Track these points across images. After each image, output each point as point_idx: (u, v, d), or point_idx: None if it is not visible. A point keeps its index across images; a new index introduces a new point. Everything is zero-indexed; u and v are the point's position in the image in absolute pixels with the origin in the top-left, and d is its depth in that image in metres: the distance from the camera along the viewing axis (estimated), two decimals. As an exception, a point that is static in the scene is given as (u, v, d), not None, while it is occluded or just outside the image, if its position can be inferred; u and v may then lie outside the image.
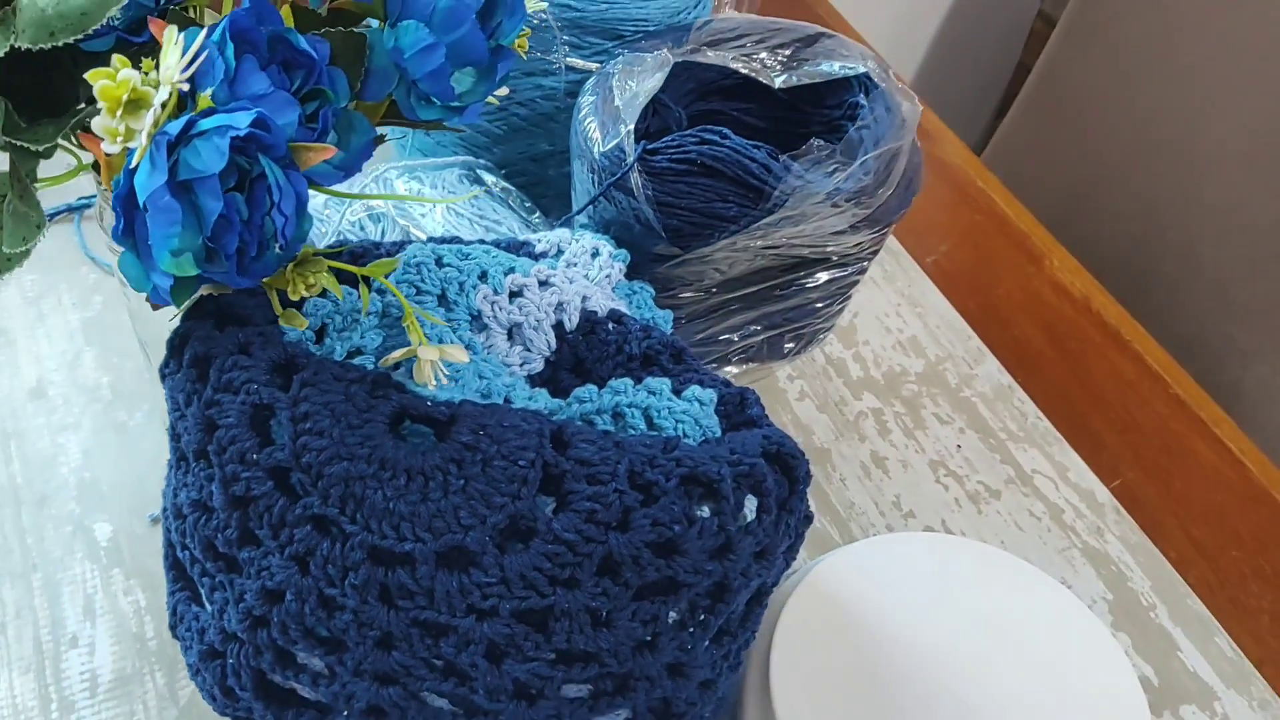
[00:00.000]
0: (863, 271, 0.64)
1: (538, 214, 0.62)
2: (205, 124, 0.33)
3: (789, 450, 0.44)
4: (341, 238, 0.63)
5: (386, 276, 0.47)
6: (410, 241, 0.49)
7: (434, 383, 0.41)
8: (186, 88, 0.33)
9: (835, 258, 0.61)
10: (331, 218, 0.63)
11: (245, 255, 0.35)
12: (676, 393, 0.46)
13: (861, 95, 0.59)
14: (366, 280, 0.42)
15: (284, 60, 0.36)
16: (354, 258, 0.45)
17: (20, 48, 0.35)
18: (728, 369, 0.66)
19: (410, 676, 0.42)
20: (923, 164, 0.59)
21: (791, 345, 0.67)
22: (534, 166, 0.66)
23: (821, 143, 0.52)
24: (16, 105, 0.40)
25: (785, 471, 0.44)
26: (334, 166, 0.39)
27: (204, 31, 0.33)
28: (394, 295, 0.47)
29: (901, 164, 0.55)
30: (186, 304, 0.44)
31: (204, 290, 0.37)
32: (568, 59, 0.60)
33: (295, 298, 0.38)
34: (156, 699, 0.50)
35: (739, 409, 0.46)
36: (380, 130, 0.44)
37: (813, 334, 0.67)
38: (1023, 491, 0.63)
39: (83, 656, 0.51)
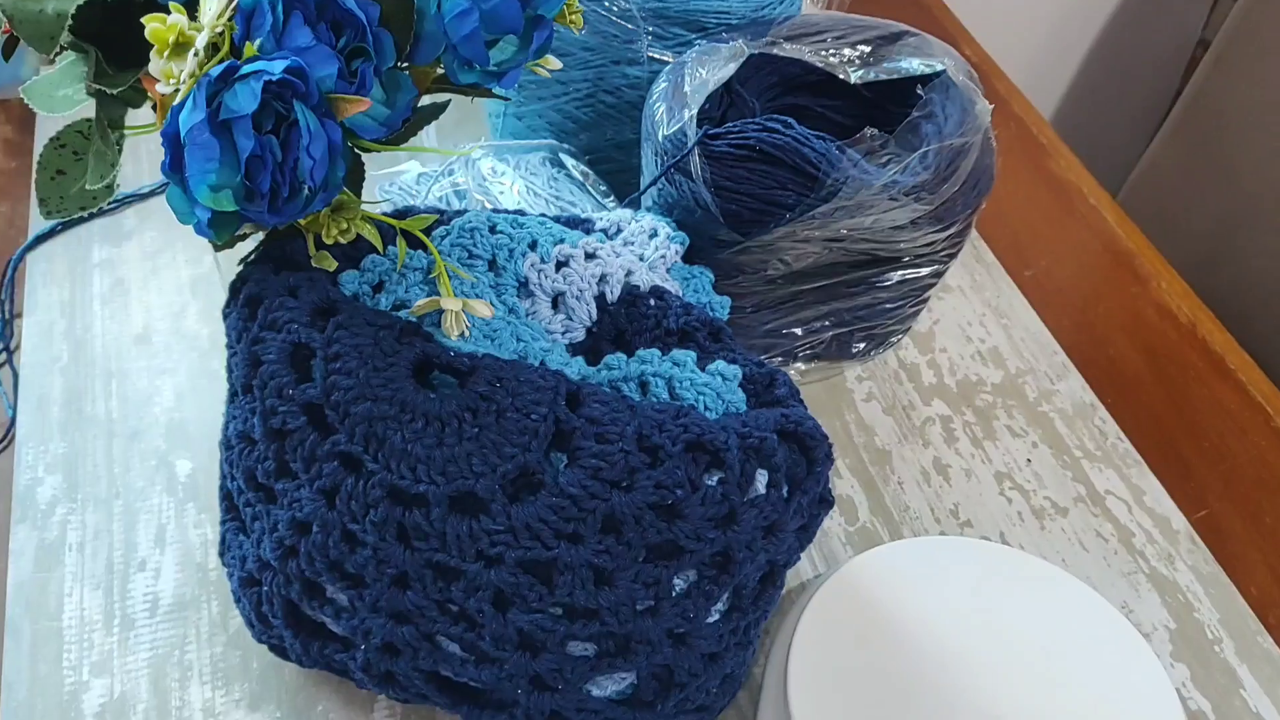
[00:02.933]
0: (939, 275, 0.63)
1: (611, 198, 0.64)
2: (245, 69, 0.36)
3: (807, 430, 0.44)
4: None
5: (441, 239, 0.50)
6: (470, 210, 0.51)
7: (456, 334, 0.43)
8: (223, 33, 0.35)
9: (907, 257, 0.60)
10: (420, 191, 0.66)
11: (278, 195, 0.38)
12: (702, 366, 0.46)
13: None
14: (406, 235, 0.44)
15: (333, 19, 0.39)
16: (399, 214, 0.47)
17: (101, -2, 0.39)
18: (795, 364, 0.66)
19: (423, 617, 0.44)
20: (994, 165, 0.57)
21: (861, 345, 0.66)
22: (619, 154, 0.67)
23: (875, 132, 0.51)
24: (108, 55, 0.43)
25: (803, 451, 0.44)
26: (377, 122, 0.41)
27: (247, -18, 0.35)
28: (448, 257, 0.49)
29: (969, 162, 0.54)
30: (251, 251, 0.47)
31: (246, 229, 0.40)
32: (650, 50, 0.61)
33: (329, 240, 0.41)
34: (209, 625, 0.54)
35: (767, 388, 0.47)
36: (444, 96, 0.46)
37: (884, 335, 0.66)
38: (1092, 511, 0.61)
39: (149, 579, 0.55)
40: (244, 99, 0.36)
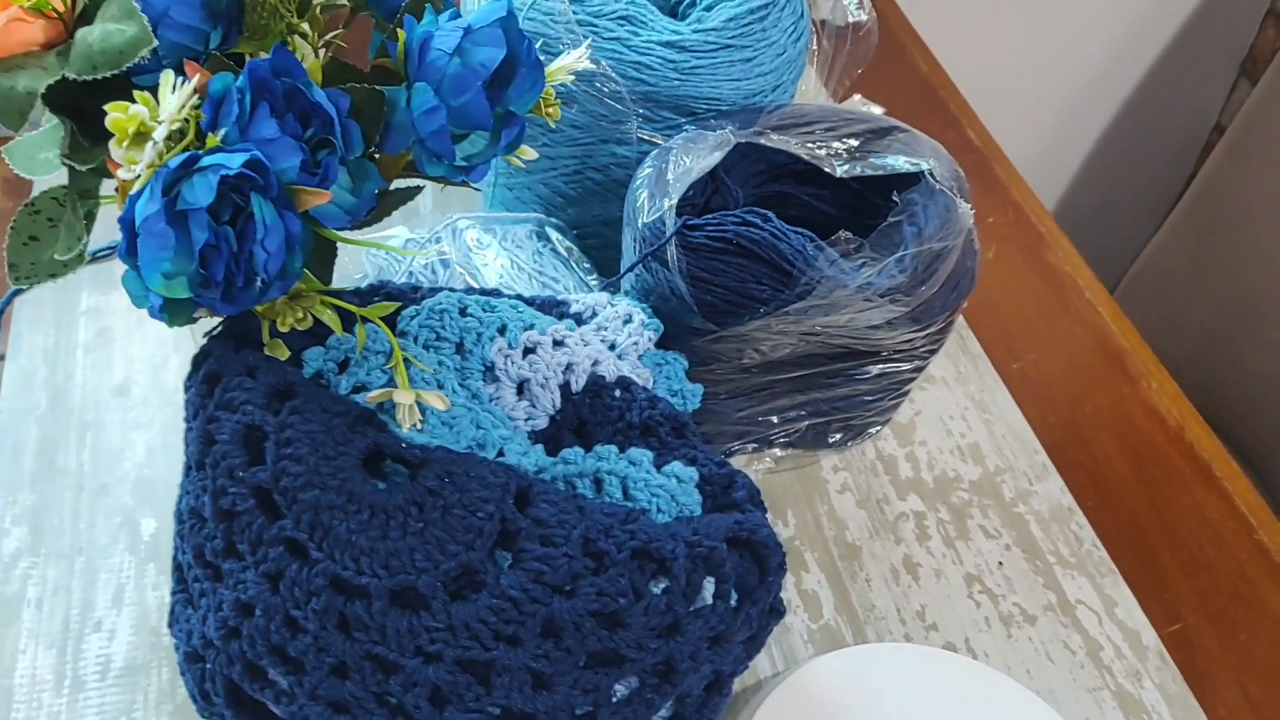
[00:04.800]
0: (919, 370, 0.63)
1: (595, 276, 0.64)
2: (204, 161, 0.36)
3: (761, 539, 0.43)
4: (414, 278, 0.66)
5: (411, 319, 0.50)
6: (443, 289, 0.51)
7: (408, 425, 0.42)
8: (188, 121, 0.36)
9: (886, 352, 0.60)
10: (404, 260, 0.66)
11: (233, 284, 0.38)
12: (661, 464, 0.46)
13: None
14: (364, 319, 0.44)
15: (301, 110, 0.39)
16: (362, 298, 0.47)
17: (72, 78, 0.39)
18: (770, 452, 0.66)
19: (361, 709, 0.44)
20: (976, 267, 0.57)
21: (839, 436, 0.66)
22: (606, 229, 0.68)
23: (849, 235, 0.51)
24: (83, 129, 0.44)
25: (755, 560, 0.44)
26: (342, 210, 0.41)
27: (207, 78, 0.36)
28: (415, 339, 0.49)
29: (948, 265, 0.54)
30: (213, 327, 0.47)
31: (200, 314, 0.40)
32: (639, 131, 0.61)
33: (283, 329, 0.41)
34: (157, 694, 0.53)
35: (725, 490, 0.46)
36: (415, 182, 0.46)
37: (862, 427, 0.66)
38: (1061, 621, 0.60)
39: (103, 641, 0.55)
40: (200, 192, 0.36)
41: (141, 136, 0.36)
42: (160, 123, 0.35)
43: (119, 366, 0.67)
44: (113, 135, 0.40)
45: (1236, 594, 0.63)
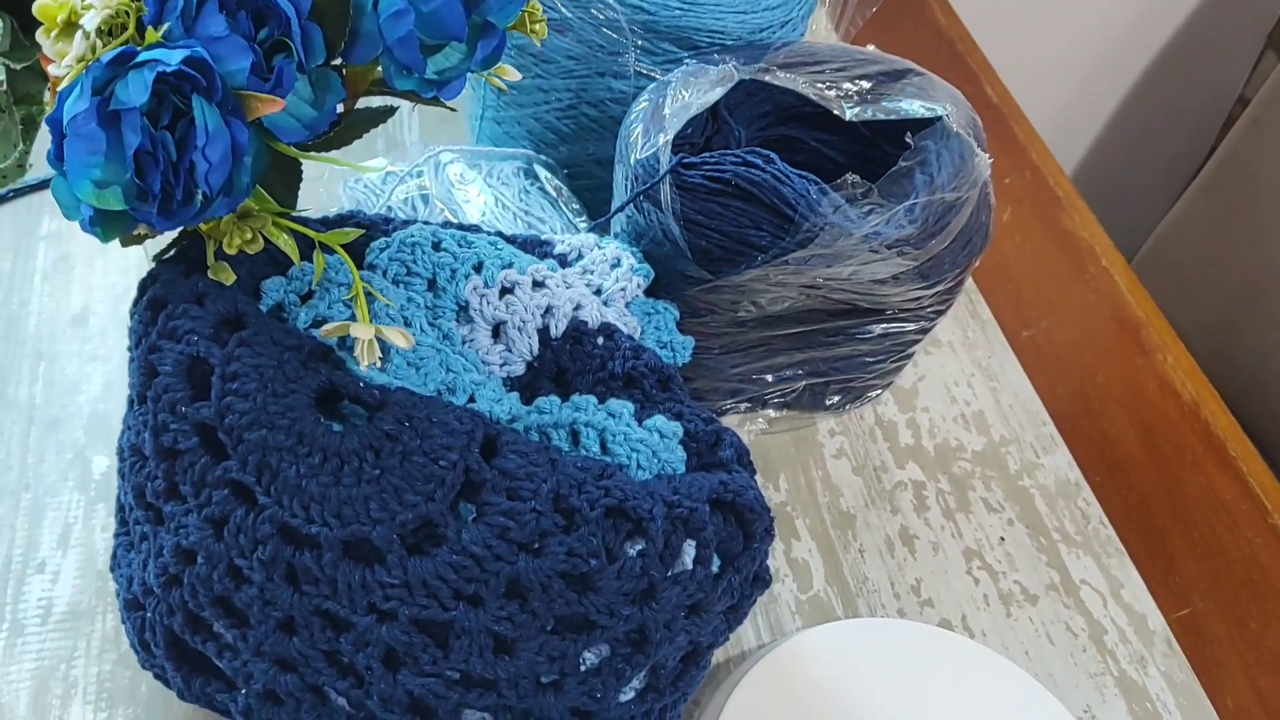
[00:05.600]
0: (925, 331, 0.59)
1: (584, 218, 0.60)
2: (142, 57, 0.32)
3: (747, 502, 0.40)
4: (392, 212, 0.62)
5: (380, 251, 0.46)
6: (417, 222, 0.48)
7: (366, 363, 0.39)
8: (128, 14, 0.32)
9: (891, 310, 0.56)
10: (385, 191, 0.62)
11: (171, 197, 0.34)
12: (643, 418, 0.42)
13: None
14: (324, 247, 0.40)
15: (255, 9, 0.35)
16: (326, 225, 0.44)
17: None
18: (764, 412, 0.62)
19: (309, 667, 0.40)
20: (990, 223, 0.53)
21: (837, 398, 0.62)
22: (599, 170, 0.64)
23: (857, 179, 0.47)
24: (24, 25, 0.40)
25: (740, 524, 0.40)
26: (300, 123, 0.37)
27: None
28: (384, 273, 0.45)
29: (961, 218, 0.50)
30: (168, 246, 0.43)
31: (141, 230, 0.36)
32: (638, 64, 0.57)
33: (230, 250, 0.37)
34: (100, 641, 0.50)
35: (710, 448, 0.43)
36: (394, 102, 0.42)
37: (862, 390, 0.62)
38: (1064, 601, 0.57)
39: (46, 583, 0.52)
40: (134, 90, 0.32)
41: (73, 26, 0.32)
42: (91, 8, 0.31)
43: (77, 295, 0.63)
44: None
45: (1249, 580, 0.60)
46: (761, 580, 0.42)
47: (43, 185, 0.68)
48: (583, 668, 0.39)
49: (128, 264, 0.65)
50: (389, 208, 0.61)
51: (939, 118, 0.53)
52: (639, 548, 0.38)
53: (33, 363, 0.60)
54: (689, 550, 0.39)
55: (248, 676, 0.41)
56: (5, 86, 0.40)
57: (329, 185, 0.64)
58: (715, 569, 0.40)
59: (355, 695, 0.40)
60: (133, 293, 0.59)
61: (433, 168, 0.60)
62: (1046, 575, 0.58)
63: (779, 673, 0.48)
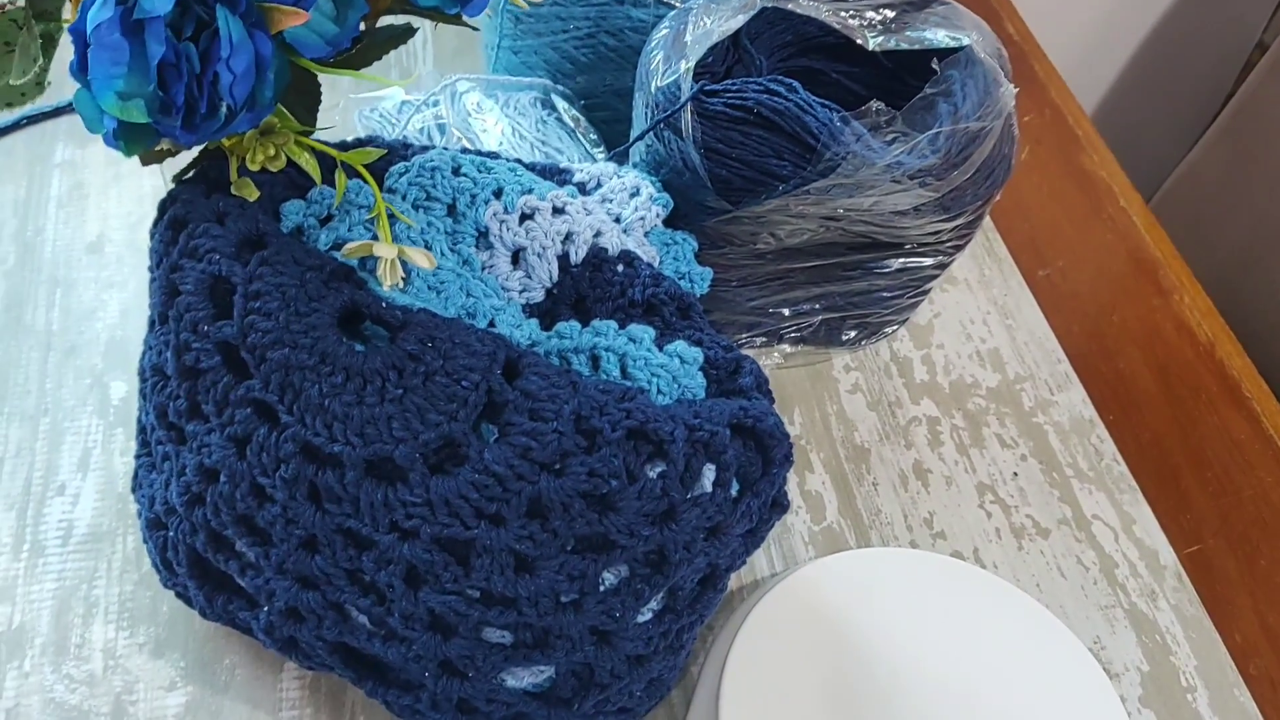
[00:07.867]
0: (943, 266, 0.59)
1: (601, 148, 0.60)
2: (165, -36, 0.32)
3: (767, 427, 0.40)
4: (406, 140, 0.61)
5: (400, 175, 0.46)
6: (436, 148, 0.47)
7: (389, 283, 0.39)
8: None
9: (910, 244, 0.56)
10: (401, 120, 0.61)
11: (195, 110, 0.34)
12: (662, 345, 0.42)
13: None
14: (347, 168, 0.40)
15: (279, -82, 0.35)
16: (345, 146, 0.43)
17: None
18: (780, 346, 0.62)
19: (331, 585, 0.41)
20: (1013, 155, 0.53)
21: (853, 333, 0.62)
22: (617, 101, 0.63)
23: (882, 106, 0.47)
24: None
25: (760, 449, 0.40)
26: (322, 39, 0.37)
27: None
28: (404, 197, 0.45)
29: (984, 149, 0.50)
30: (189, 166, 0.43)
31: (165, 145, 0.36)
32: (658, -10, 0.57)
33: (254, 166, 0.37)
34: (122, 561, 0.51)
35: (730, 375, 0.43)
36: (416, 21, 0.42)
37: (879, 325, 0.62)
38: (1075, 536, 0.57)
39: (66, 505, 0.52)
40: (158, -2, 0.32)
41: (92, -69, 0.32)
42: (113, -87, 0.31)
43: (93, 223, 0.63)
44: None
45: (1260, 518, 0.60)
46: (780, 505, 0.42)
47: (56, 112, 0.68)
48: (602, 587, 0.40)
49: (142, 192, 0.65)
50: (404, 138, 0.61)
51: (964, 47, 0.52)
52: (659, 469, 0.38)
53: (49, 289, 0.60)
54: (709, 473, 0.39)
55: (270, 594, 0.42)
56: (24, 1, 0.39)
57: (344, 113, 0.63)
58: (734, 492, 0.40)
59: (377, 613, 0.41)
60: (147, 221, 0.59)
61: (449, 97, 0.60)
62: (1059, 510, 0.58)
63: (793, 599, 0.49)
